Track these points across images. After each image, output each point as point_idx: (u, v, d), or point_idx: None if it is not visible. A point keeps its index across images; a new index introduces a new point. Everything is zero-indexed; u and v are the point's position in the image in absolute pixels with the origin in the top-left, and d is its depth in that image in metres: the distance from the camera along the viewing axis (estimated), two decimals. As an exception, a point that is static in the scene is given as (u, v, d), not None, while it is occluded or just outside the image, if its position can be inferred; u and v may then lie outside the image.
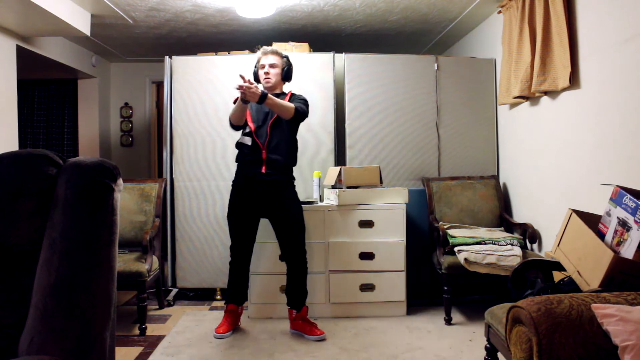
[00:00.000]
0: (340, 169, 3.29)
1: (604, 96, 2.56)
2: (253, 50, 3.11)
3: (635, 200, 1.71)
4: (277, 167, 2.89)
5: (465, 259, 2.92)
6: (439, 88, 3.85)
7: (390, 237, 3.25)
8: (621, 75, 2.43)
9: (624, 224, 1.74)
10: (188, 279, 3.72)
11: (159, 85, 5.60)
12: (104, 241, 1.26)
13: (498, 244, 3.05)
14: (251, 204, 2.93)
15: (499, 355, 2.06)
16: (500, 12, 3.63)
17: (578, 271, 1.84)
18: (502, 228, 3.49)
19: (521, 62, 3.20)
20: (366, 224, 3.26)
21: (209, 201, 3.71)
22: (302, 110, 2.88)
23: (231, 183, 3.03)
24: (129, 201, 3.52)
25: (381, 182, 3.35)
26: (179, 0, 3.57)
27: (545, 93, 3.09)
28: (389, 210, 3.26)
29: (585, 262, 1.81)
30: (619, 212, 1.77)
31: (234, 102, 3.02)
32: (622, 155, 2.42)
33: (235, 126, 2.93)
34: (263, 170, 2.87)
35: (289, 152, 2.94)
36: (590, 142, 2.70)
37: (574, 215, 1.95)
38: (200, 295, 3.83)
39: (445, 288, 3.08)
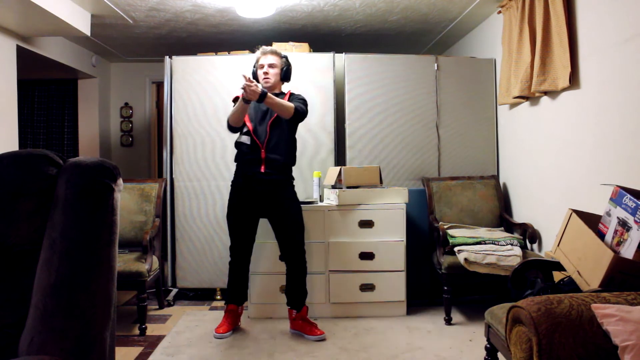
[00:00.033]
0: (340, 169, 3.29)
1: (604, 96, 2.56)
2: (253, 51, 3.11)
3: (635, 200, 1.71)
4: (276, 167, 2.89)
5: (465, 259, 2.92)
6: (439, 88, 3.85)
7: (390, 237, 3.25)
8: (621, 75, 2.43)
9: (624, 224, 1.74)
10: (188, 279, 3.72)
11: (159, 85, 5.60)
12: (104, 241, 1.26)
13: (498, 244, 3.05)
14: (250, 203, 2.92)
15: (499, 355, 2.06)
16: (500, 12, 3.63)
17: (578, 271, 1.84)
18: (502, 228, 3.49)
19: (521, 62, 3.20)
20: (366, 224, 3.26)
21: (209, 201, 3.72)
22: (301, 110, 2.88)
23: (230, 183, 3.04)
24: (129, 201, 3.52)
25: (381, 182, 3.35)
26: (179, 0, 3.57)
27: (545, 93, 3.09)
28: (389, 210, 3.26)
29: (585, 262, 1.81)
30: (619, 212, 1.77)
31: (233, 101, 3.02)
32: (622, 155, 2.42)
33: (233, 128, 2.92)
34: (262, 170, 2.87)
35: (288, 151, 2.94)
36: (590, 142, 2.70)
37: (574, 215, 1.95)
38: (200, 295, 3.83)
39: (445, 288, 3.07)
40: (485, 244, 3.05)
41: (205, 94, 3.75)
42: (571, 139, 2.88)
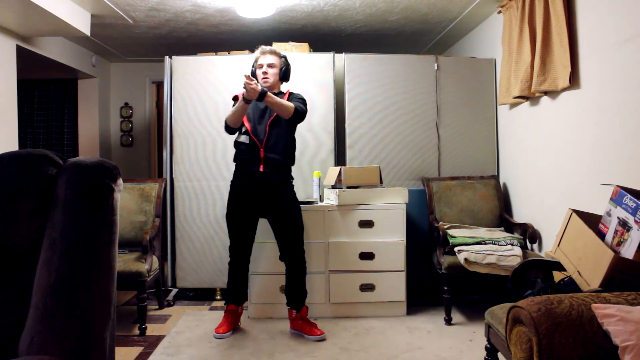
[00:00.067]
0: (340, 169, 3.29)
1: (604, 96, 2.56)
2: (253, 51, 3.11)
3: (635, 200, 1.71)
4: (275, 166, 2.88)
5: (465, 259, 2.92)
6: (439, 88, 3.85)
7: (390, 237, 3.25)
8: (621, 75, 2.43)
9: (624, 224, 1.74)
10: (188, 279, 3.72)
11: (159, 85, 5.60)
12: (104, 241, 1.26)
13: (498, 244, 3.05)
14: (249, 203, 2.92)
15: (499, 355, 2.06)
16: (500, 12, 3.63)
17: (578, 271, 1.84)
18: (502, 228, 3.49)
19: (521, 62, 3.20)
20: (366, 224, 3.25)
21: (209, 201, 3.71)
22: (301, 110, 2.87)
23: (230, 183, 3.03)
24: (129, 201, 3.52)
25: (381, 182, 3.35)
26: (179, 0, 3.57)
27: (545, 93, 3.09)
28: (389, 210, 3.26)
29: (586, 262, 1.81)
30: (619, 212, 1.77)
31: (233, 99, 3.01)
32: (622, 155, 2.42)
33: (230, 129, 2.90)
34: (261, 169, 2.86)
35: (287, 151, 2.94)
36: (590, 142, 2.70)
37: (574, 215, 1.95)
38: (200, 295, 3.83)
39: (445, 288, 3.07)
40: (486, 244, 3.05)
41: (206, 93, 3.75)
42: (571, 139, 2.88)
